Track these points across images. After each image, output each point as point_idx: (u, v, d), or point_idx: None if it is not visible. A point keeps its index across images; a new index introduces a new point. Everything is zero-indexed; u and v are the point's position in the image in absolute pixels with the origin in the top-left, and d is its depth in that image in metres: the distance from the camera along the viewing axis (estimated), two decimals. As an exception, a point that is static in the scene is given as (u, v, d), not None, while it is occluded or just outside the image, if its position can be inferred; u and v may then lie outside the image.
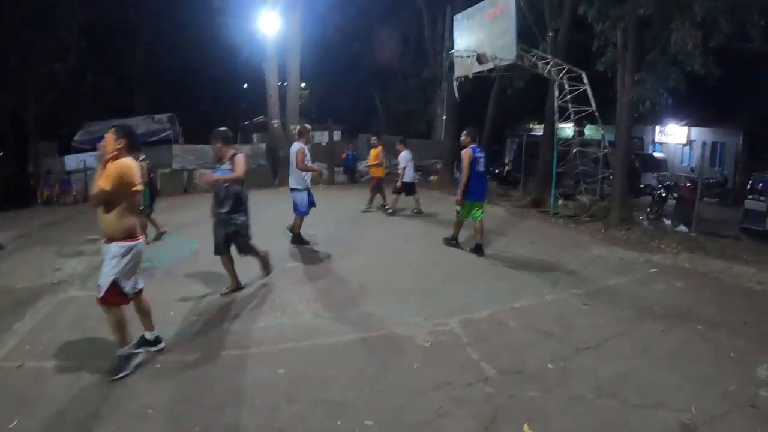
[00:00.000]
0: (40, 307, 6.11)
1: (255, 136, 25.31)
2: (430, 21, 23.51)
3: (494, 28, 12.50)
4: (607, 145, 13.52)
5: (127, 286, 4.44)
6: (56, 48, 21.88)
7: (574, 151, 13.93)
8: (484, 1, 12.97)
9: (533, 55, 12.79)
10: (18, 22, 19.96)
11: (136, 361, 4.54)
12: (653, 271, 7.82)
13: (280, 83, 21.34)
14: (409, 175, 12.44)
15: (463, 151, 8.46)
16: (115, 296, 4.39)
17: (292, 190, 8.94)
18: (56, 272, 7.86)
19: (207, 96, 30.76)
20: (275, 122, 20.59)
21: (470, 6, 13.80)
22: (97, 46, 24.24)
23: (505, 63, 12.55)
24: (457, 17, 14.34)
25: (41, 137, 22.15)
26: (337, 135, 23.47)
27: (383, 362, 4.61)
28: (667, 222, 12.16)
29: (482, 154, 8.56)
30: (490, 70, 13.60)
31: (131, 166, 4.36)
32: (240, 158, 6.14)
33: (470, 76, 13.79)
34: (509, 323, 5.54)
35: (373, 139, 14.21)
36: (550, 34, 14.47)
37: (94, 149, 19.40)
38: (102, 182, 4.22)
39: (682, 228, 11.37)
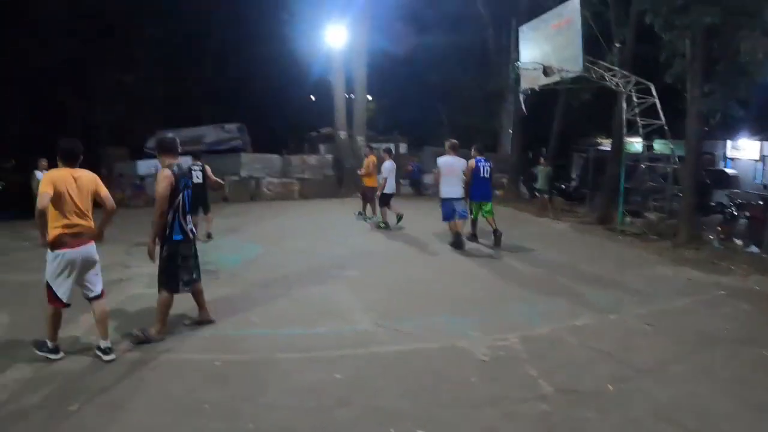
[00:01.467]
0: (108, 302, 6.41)
1: (322, 147, 25.82)
2: (495, 33, 23.32)
3: (560, 40, 12.38)
4: (676, 160, 13.11)
5: (59, 292, 4.70)
6: (126, 60, 23.03)
7: (642, 166, 13.56)
8: (549, 12, 12.87)
9: (600, 67, 12.57)
10: (91, 35, 21.15)
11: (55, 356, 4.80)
12: (721, 293, 7.52)
13: (346, 95, 21.69)
14: (389, 186, 12.27)
15: (469, 162, 10.25)
16: (50, 296, 4.73)
17: (456, 200, 10.00)
18: (125, 270, 8.30)
19: (274, 107, 31.48)
20: (342, 133, 20.98)
21: (535, 17, 13.71)
22: (167, 58, 25.29)
23: (572, 75, 12.40)
24: (523, 29, 14.27)
25: (113, 143, 23.33)
26: (403, 147, 23.64)
27: (439, 374, 4.64)
28: (738, 242, 11.66)
29: (487, 164, 10.54)
30: (556, 83, 13.45)
31: (58, 175, 4.63)
32: (158, 176, 5.19)
33: (537, 88, 13.68)
34: (569, 341, 5.46)
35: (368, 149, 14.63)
36: (617, 45, 14.14)
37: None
38: (42, 187, 4.50)
39: (754, 249, 10.87)
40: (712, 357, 5.12)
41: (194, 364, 4.81)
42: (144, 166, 20.79)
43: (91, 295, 4.95)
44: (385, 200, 12.35)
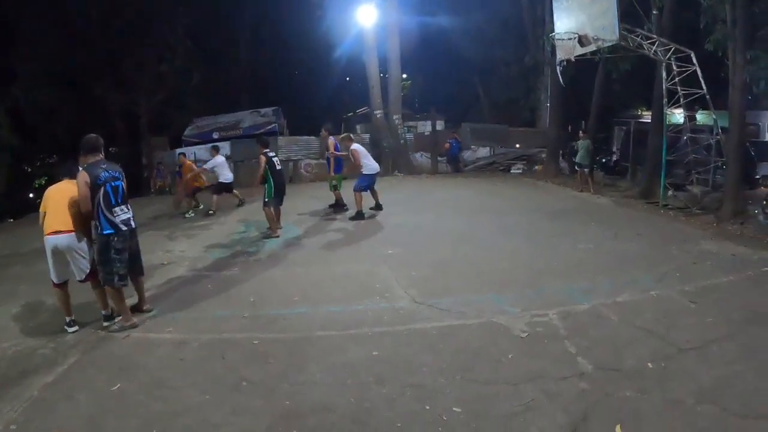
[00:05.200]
0: (151, 286, 6.67)
1: (358, 127, 25.92)
2: (529, 4, 22.80)
3: (594, 8, 12.02)
4: (719, 131, 12.66)
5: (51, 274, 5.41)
6: (163, 50, 23.42)
7: (685, 138, 13.14)
8: (583, -20, 12.49)
9: (637, 35, 12.17)
10: (126, 27, 21.62)
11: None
12: (766, 269, 7.25)
13: (381, 75, 21.59)
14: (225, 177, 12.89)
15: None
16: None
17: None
18: (166, 254, 8.62)
19: (310, 89, 31.77)
20: (378, 113, 20.95)
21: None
22: (202, 47, 25.58)
23: (608, 44, 12.06)
24: (557, -2, 13.90)
25: (152, 132, 23.89)
26: (440, 124, 23.46)
27: (477, 350, 4.65)
28: (786, 216, 11.23)
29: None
30: (593, 53, 13.09)
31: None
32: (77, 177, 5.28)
33: (573, 59, 13.34)
34: (610, 318, 5.38)
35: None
36: (655, 12, 13.55)
37: (202, 143, 20.80)
38: None
39: (802, 223, 10.48)
40: (758, 337, 4.92)
41: (234, 344, 4.96)
42: (183, 154, 21.22)
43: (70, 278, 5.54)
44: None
